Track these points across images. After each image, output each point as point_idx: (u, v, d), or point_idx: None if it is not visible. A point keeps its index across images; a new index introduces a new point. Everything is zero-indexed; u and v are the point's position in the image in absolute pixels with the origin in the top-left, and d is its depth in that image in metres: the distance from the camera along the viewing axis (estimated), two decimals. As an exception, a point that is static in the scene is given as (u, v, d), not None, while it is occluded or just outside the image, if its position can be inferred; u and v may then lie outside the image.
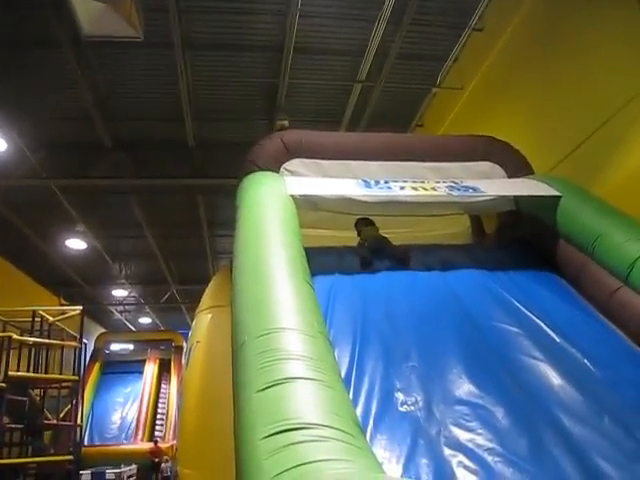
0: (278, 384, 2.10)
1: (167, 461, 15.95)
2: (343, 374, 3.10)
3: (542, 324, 3.89)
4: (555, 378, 3.38)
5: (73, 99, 9.05)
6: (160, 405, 19.97)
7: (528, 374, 3.40)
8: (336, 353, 3.15)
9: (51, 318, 13.83)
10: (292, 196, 4.30)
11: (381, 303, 4.00)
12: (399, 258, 4.56)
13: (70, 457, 13.24)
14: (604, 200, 4.69)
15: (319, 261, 4.12)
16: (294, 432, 1.82)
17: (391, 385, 3.23)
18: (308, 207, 4.52)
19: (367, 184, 4.57)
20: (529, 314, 3.99)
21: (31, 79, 8.56)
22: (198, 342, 4.16)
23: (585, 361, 3.57)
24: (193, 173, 10.67)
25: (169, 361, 20.62)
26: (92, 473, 15.13)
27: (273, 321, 2.51)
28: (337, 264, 4.47)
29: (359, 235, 5.06)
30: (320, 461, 1.65)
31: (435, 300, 4.08)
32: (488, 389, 3.23)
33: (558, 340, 3.75)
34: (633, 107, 5.43)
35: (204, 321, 4.27)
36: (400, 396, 3.17)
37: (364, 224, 5.10)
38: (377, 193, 4.45)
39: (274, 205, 3.96)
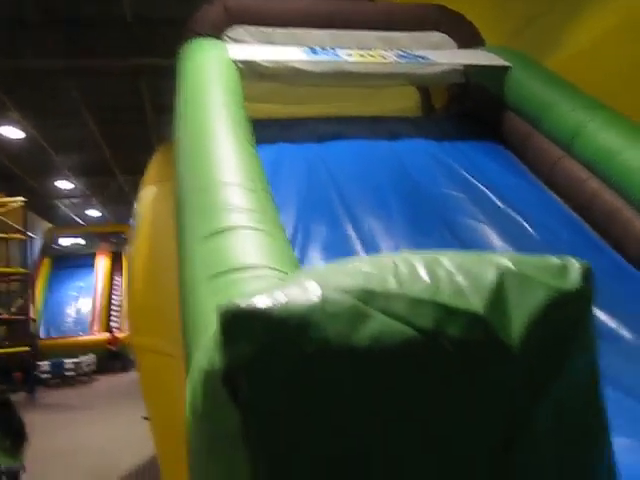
0: (219, 233, 2.07)
1: None
2: (289, 237, 3.11)
3: (486, 191, 3.98)
4: (496, 239, 3.50)
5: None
6: (114, 297, 20.17)
7: (471, 235, 3.51)
8: (281, 218, 3.14)
9: (-9, 211, 13.44)
10: (235, 64, 4.10)
11: (327, 171, 3.98)
12: None
13: (27, 348, 13.40)
14: (554, 72, 4.67)
15: (263, 132, 4.02)
16: (235, 273, 1.82)
17: (336, 247, 3.27)
18: (252, 76, 4.33)
19: (313, 51, 4.39)
20: (474, 182, 4.06)
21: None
22: (143, 216, 4.09)
23: (525, 224, 3.70)
24: (133, 52, 10.05)
25: (120, 253, 20.60)
26: (51, 364, 15.41)
27: (213, 176, 2.46)
28: (282, 135, 4.37)
29: None
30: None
31: (382, 168, 4.08)
32: (430, 247, 3.31)
33: (501, 205, 3.86)
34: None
35: (149, 195, 4.18)
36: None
37: None
38: (323, 59, 4.30)
39: (215, 69, 3.77)
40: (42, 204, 20.13)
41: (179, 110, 3.43)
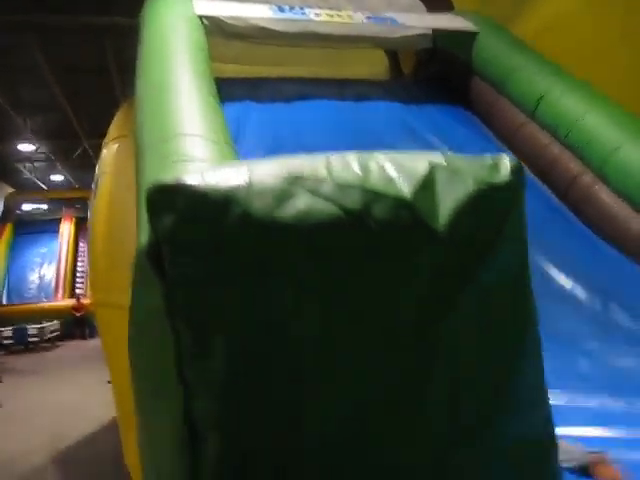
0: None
1: None
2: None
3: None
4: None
5: None
6: (79, 263, 19.83)
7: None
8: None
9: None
10: (200, 19, 4.01)
11: (293, 130, 3.97)
12: None
13: (-13, 314, 13.19)
14: (520, 39, 4.70)
15: (230, 90, 3.97)
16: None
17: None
18: (217, 33, 4.25)
19: (280, 9, 4.32)
20: (439, 145, 4.09)
21: None
22: (105, 173, 4.02)
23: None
24: (97, 9, 9.70)
25: (86, 219, 20.19)
26: (13, 330, 15.18)
27: (175, 127, 2.42)
28: (249, 94, 4.32)
29: None
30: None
31: (347, 129, 4.08)
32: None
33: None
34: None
35: (110, 152, 4.10)
36: None
37: None
38: (290, 17, 4.24)
39: (180, 24, 3.68)
40: (3, 168, 19.55)
41: (142, 63, 3.35)
